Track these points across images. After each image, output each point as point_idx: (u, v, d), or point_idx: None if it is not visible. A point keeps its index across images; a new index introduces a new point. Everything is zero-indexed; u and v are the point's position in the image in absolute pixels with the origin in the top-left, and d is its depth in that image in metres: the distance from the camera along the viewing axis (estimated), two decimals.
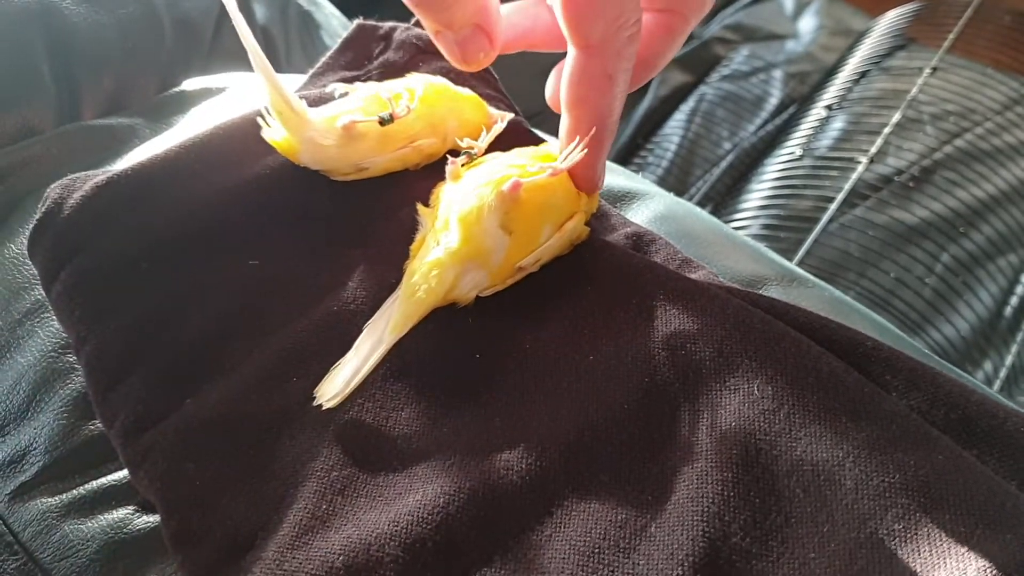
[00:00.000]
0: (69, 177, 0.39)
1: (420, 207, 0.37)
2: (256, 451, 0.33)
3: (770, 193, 0.96)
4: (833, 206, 0.78)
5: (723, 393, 0.31)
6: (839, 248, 0.91)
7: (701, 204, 1.06)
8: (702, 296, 0.34)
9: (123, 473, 0.36)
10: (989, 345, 0.86)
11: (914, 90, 0.87)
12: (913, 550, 0.25)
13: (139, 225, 0.38)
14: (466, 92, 0.42)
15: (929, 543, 0.26)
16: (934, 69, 0.91)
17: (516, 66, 1.27)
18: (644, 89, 1.19)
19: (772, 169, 0.98)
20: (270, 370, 0.35)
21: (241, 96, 0.53)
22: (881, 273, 0.89)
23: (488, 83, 0.46)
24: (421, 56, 0.45)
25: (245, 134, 0.39)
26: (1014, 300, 0.89)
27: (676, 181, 1.10)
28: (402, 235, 0.37)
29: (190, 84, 0.56)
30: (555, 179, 0.36)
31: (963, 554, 0.25)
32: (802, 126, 0.99)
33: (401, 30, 0.47)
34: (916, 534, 0.26)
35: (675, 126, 1.15)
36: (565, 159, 0.36)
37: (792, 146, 0.97)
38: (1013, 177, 0.96)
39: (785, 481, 0.28)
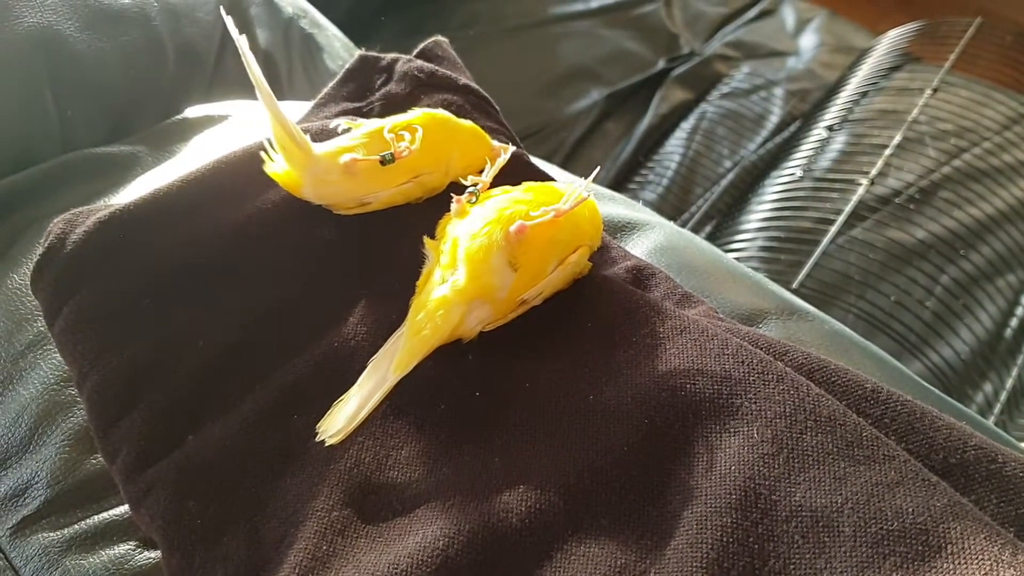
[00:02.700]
0: (72, 212, 0.39)
1: (427, 240, 0.37)
2: (257, 489, 0.34)
3: (770, 213, 0.96)
4: (834, 227, 0.78)
5: (723, 436, 0.31)
6: (838, 270, 0.92)
7: (702, 222, 1.07)
8: (702, 335, 0.34)
9: (125, 508, 0.36)
10: (989, 367, 0.86)
11: (915, 111, 0.87)
12: None
13: (141, 261, 0.38)
14: (468, 124, 0.42)
15: None
16: (935, 90, 0.91)
17: (517, 83, 1.28)
18: (644, 106, 1.20)
19: (772, 189, 0.98)
20: (271, 407, 0.35)
21: (243, 124, 0.54)
22: (880, 295, 0.90)
23: (490, 115, 0.46)
24: (422, 88, 0.46)
25: (247, 168, 0.40)
26: (1014, 321, 0.89)
27: (677, 199, 1.11)
28: (404, 270, 0.37)
29: (192, 112, 0.56)
30: (562, 216, 0.36)
31: None
32: (803, 146, 1.00)
33: (403, 62, 0.47)
34: None
35: (676, 144, 1.15)
36: (568, 201, 0.36)
37: (793, 166, 0.97)
38: (1012, 197, 0.96)
39: (784, 527, 0.28)
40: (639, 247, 0.46)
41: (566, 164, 1.13)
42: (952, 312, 0.88)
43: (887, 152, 0.84)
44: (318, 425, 0.33)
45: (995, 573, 0.26)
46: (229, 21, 0.35)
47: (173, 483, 0.34)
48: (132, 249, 0.38)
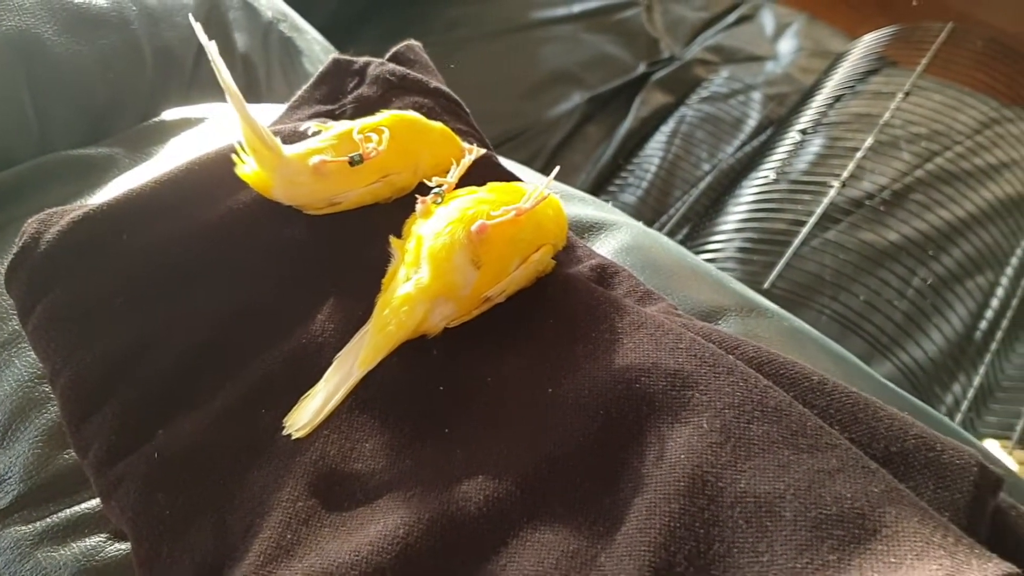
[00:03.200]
0: (46, 212, 0.40)
1: (393, 239, 0.38)
2: (225, 481, 0.34)
3: (746, 215, 0.97)
4: (805, 230, 0.80)
5: (674, 426, 0.32)
6: (811, 271, 0.93)
7: (679, 225, 1.08)
8: (658, 331, 0.35)
9: (96, 502, 0.37)
10: (959, 367, 0.88)
11: (887, 115, 0.89)
12: None
13: (114, 260, 0.39)
14: (437, 125, 0.43)
15: (860, 572, 0.27)
16: (907, 94, 0.93)
17: (499, 87, 1.29)
18: (625, 110, 1.21)
19: (748, 191, 1.00)
20: (240, 402, 0.36)
21: (220, 127, 0.55)
22: (853, 297, 0.91)
23: (460, 118, 0.47)
24: (394, 91, 0.47)
25: (219, 169, 0.41)
26: (983, 324, 0.90)
27: (656, 202, 1.12)
28: (372, 269, 0.38)
29: (170, 114, 0.57)
30: (523, 214, 0.37)
31: None
32: (778, 149, 1.01)
33: (375, 65, 0.48)
34: (849, 564, 0.27)
35: (655, 147, 1.17)
36: (529, 200, 0.37)
37: (768, 169, 0.99)
38: (982, 200, 0.98)
39: (729, 512, 0.29)
40: (606, 247, 0.47)
41: (547, 167, 1.15)
42: (923, 313, 0.89)
43: (858, 155, 0.86)
44: (285, 419, 0.34)
45: (926, 553, 0.27)
46: (198, 27, 0.36)
47: (143, 476, 0.35)
48: (105, 248, 0.39)
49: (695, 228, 1.04)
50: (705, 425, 0.31)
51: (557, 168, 0.39)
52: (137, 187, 0.40)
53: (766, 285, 0.77)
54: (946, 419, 0.40)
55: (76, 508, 0.37)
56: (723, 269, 0.93)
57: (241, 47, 0.69)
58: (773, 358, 0.34)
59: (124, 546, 0.36)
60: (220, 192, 0.41)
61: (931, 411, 0.40)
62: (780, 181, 1.00)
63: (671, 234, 1.06)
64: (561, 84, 1.24)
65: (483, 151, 0.43)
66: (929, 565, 0.27)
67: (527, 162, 0.60)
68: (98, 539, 0.36)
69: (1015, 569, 0.27)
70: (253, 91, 0.69)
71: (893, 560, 0.27)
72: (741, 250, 0.95)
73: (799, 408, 0.31)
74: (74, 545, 0.36)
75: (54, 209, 0.40)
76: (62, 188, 0.51)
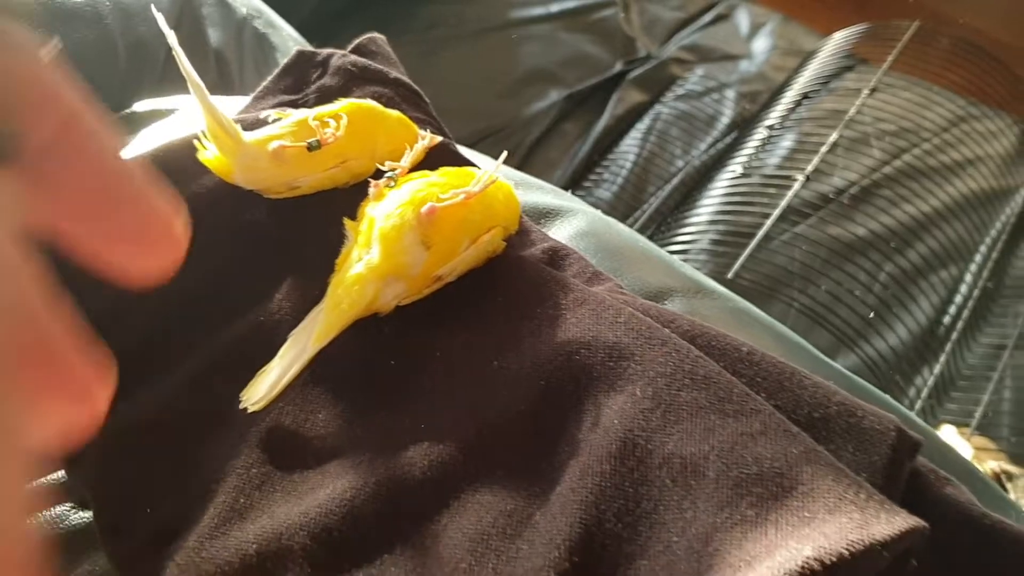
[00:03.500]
0: None
1: (347, 221, 0.40)
2: (184, 451, 0.36)
3: (717, 210, 0.99)
4: (768, 222, 0.81)
5: (610, 394, 0.34)
6: (780, 265, 0.95)
7: (653, 219, 1.10)
8: (599, 306, 0.37)
9: (61, 472, 0.38)
10: (922, 359, 0.90)
11: (852, 110, 0.91)
12: (761, 533, 0.28)
13: None
14: (394, 113, 0.45)
15: (776, 527, 0.28)
16: (873, 90, 0.95)
17: (478, 85, 1.30)
18: (601, 107, 1.23)
19: (719, 186, 1.02)
20: (199, 375, 0.38)
21: (189, 118, 0.56)
22: (820, 290, 0.93)
23: (419, 107, 0.49)
24: (355, 81, 0.48)
25: (182, 156, 0.42)
26: (947, 318, 0.93)
27: (631, 197, 1.14)
28: (328, 250, 0.40)
29: (141, 106, 0.59)
30: (473, 197, 0.39)
31: (804, 535, 0.28)
32: (747, 145, 1.03)
33: (337, 56, 0.49)
34: (766, 519, 0.29)
35: (631, 144, 1.19)
36: (479, 184, 0.39)
37: (737, 164, 1.01)
38: (947, 196, 1.00)
39: (656, 472, 0.31)
40: (562, 232, 0.49)
41: (524, 163, 1.16)
42: (886, 307, 0.91)
43: (823, 149, 0.88)
44: (242, 394, 0.36)
45: (839, 508, 0.29)
46: (159, 16, 0.38)
47: (105, 446, 0.36)
48: None
49: (668, 222, 1.06)
50: (638, 393, 0.33)
51: (504, 153, 0.41)
52: None
53: (730, 275, 0.79)
54: (876, 389, 0.42)
55: (41, 479, 0.38)
56: (695, 261, 0.95)
57: (214, 42, 0.70)
58: (706, 331, 0.36)
59: (88, 514, 0.37)
60: (183, 177, 0.42)
61: (862, 382, 0.42)
62: (752, 176, 1.02)
63: (644, 228, 1.08)
64: (539, 82, 1.26)
65: (439, 138, 0.45)
66: (840, 519, 0.28)
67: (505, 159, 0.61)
68: (63, 508, 0.37)
69: (922, 523, 0.29)
70: (226, 86, 0.70)
71: (807, 515, 0.29)
72: (714, 241, 0.97)
73: (727, 377, 0.33)
74: (40, 515, 0.37)
75: None
76: None
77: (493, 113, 1.22)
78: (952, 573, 0.33)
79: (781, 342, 0.44)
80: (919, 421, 0.41)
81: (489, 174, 0.39)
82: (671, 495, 0.30)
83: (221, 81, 0.70)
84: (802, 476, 0.30)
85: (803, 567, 0.27)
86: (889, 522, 0.28)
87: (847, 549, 0.27)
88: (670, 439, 0.32)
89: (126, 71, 0.61)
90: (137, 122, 0.56)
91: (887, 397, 0.42)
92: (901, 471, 0.32)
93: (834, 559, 0.27)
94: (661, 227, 1.05)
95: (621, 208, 1.11)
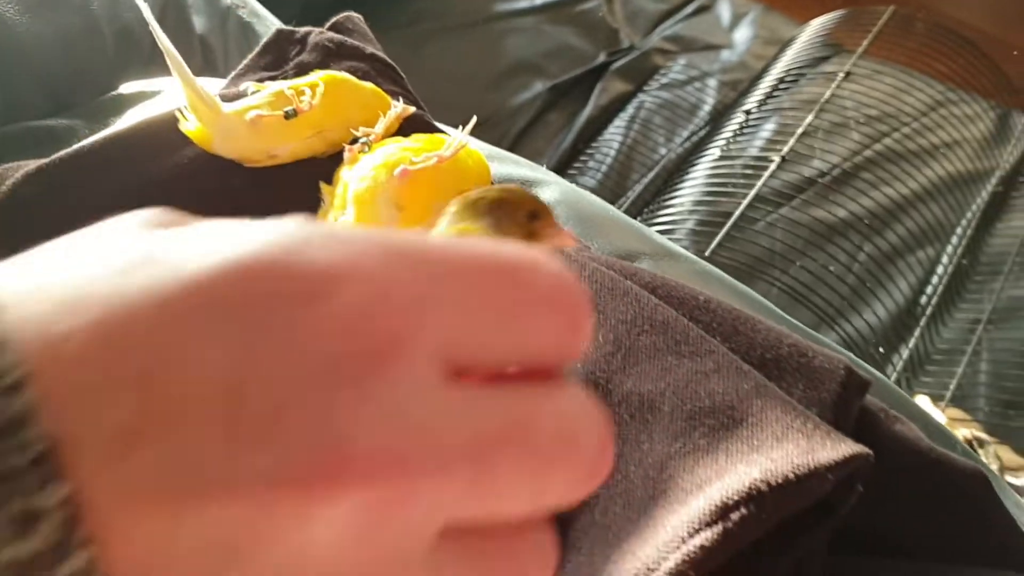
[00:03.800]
0: (2, 167, 0.42)
1: (323, 185, 0.41)
2: None
3: (699, 194, 1.01)
4: (745, 202, 0.83)
5: None
6: (764, 246, 0.97)
7: (636, 204, 1.11)
8: (564, 261, 0.39)
9: None
10: (899, 339, 0.92)
11: (827, 93, 0.93)
12: (712, 460, 0.30)
13: (68, 210, 0.42)
14: (368, 85, 0.46)
15: (726, 454, 0.30)
16: (848, 74, 0.97)
17: (464, 77, 1.32)
18: (585, 97, 1.24)
19: (702, 172, 1.03)
20: None
21: (174, 98, 0.57)
22: (802, 270, 0.95)
23: (394, 81, 0.50)
24: (332, 57, 0.50)
25: (166, 127, 0.44)
26: (923, 298, 0.94)
27: (615, 184, 1.16)
28: (306, 214, 0.41)
29: (127, 88, 0.60)
30: (445, 161, 0.40)
31: (753, 460, 0.29)
32: (726, 131, 1.05)
33: (315, 33, 0.51)
34: (717, 447, 0.30)
35: (614, 132, 1.20)
36: (450, 148, 0.40)
37: (718, 149, 1.02)
38: (925, 179, 1.02)
39: (616, 409, 0.32)
40: None
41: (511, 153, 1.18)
42: (865, 286, 0.93)
43: (798, 131, 0.89)
44: None
45: (786, 436, 0.30)
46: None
47: None
48: (59, 199, 0.42)
49: (651, 208, 1.08)
50: (601, 339, 0.35)
51: (474, 118, 0.43)
52: (88, 142, 0.43)
53: (707, 252, 0.80)
54: (833, 343, 0.43)
55: None
56: (679, 244, 0.97)
57: (199, 29, 0.72)
58: (665, 282, 0.37)
59: None
60: (167, 147, 0.44)
61: (821, 337, 0.44)
62: (732, 161, 1.03)
63: (628, 214, 1.10)
64: (524, 74, 1.27)
65: (411, 108, 0.46)
66: (787, 445, 0.30)
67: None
68: None
69: (866, 450, 0.30)
70: (211, 72, 0.71)
71: (756, 442, 0.30)
72: (698, 223, 0.99)
73: (684, 322, 0.35)
74: None
75: (9, 164, 0.43)
76: (25, 156, 0.54)
77: (479, 105, 1.23)
78: (900, 499, 0.34)
79: (742, 298, 0.46)
80: (868, 366, 0.42)
81: (460, 139, 0.41)
82: (629, 429, 0.32)
83: (206, 67, 0.71)
84: (752, 408, 0.31)
85: (751, 488, 0.28)
86: (834, 448, 0.30)
87: (793, 472, 0.28)
88: (629, 379, 0.33)
89: (113, 56, 0.62)
90: (124, 103, 0.58)
91: (842, 349, 0.43)
92: (850, 407, 0.34)
93: (780, 481, 0.28)
94: (644, 212, 1.06)
95: (605, 195, 1.13)
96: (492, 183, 0.46)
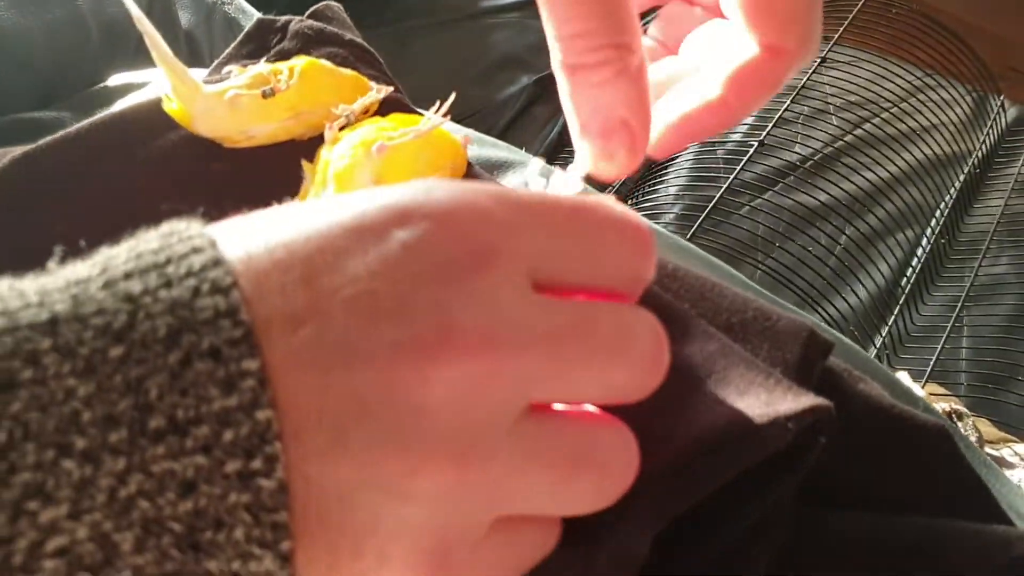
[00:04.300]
0: None
1: (304, 163, 0.42)
2: None
3: (683, 183, 1.03)
4: (726, 185, 0.85)
5: None
6: (748, 229, 0.98)
7: (620, 193, 1.13)
8: None
9: None
10: (881, 320, 0.93)
11: (804, 79, 0.94)
12: (674, 414, 0.31)
13: (56, 196, 0.43)
14: (347, 70, 0.47)
15: (692, 409, 0.31)
16: (823, 60, 0.98)
17: (450, 72, 1.33)
18: None
19: (684, 160, 1.05)
20: None
21: (162, 89, 0.59)
22: (785, 253, 0.96)
23: (374, 66, 0.52)
24: (311, 44, 0.51)
25: (152, 111, 0.45)
26: (904, 279, 0.96)
27: None
28: (287, 193, 0.42)
29: (114, 80, 0.61)
30: (422, 138, 0.41)
31: (717, 412, 0.31)
32: None
33: (296, 21, 0.52)
34: (683, 403, 0.32)
35: None
36: (427, 124, 0.41)
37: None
38: (904, 163, 1.03)
39: None
40: (513, 181, 0.52)
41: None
42: (847, 268, 0.95)
43: (776, 117, 0.91)
44: None
45: (748, 391, 0.32)
46: None
47: None
48: (46, 185, 0.43)
49: (636, 196, 1.09)
50: None
51: (453, 95, 0.44)
52: (74, 128, 0.44)
53: (687, 237, 0.82)
54: (803, 313, 0.45)
55: None
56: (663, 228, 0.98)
57: (185, 24, 0.73)
58: None
59: None
60: (153, 130, 0.45)
61: (790, 306, 0.45)
62: (715, 150, 1.05)
63: None
64: (509, 68, 1.29)
65: (389, 88, 0.48)
66: (749, 400, 0.31)
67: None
68: None
69: (826, 402, 0.32)
70: (198, 64, 0.73)
71: (720, 396, 0.32)
72: (686, 208, 1.01)
73: (652, 288, 0.36)
74: None
75: None
76: (12, 148, 0.55)
77: (465, 99, 1.24)
78: (863, 456, 0.36)
79: (713, 269, 0.47)
80: (841, 335, 0.43)
81: (437, 117, 0.42)
82: None
83: (192, 61, 0.72)
84: (716, 366, 0.33)
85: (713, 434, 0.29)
86: (796, 400, 0.31)
87: (755, 420, 0.30)
88: None
89: (99, 49, 0.64)
90: (112, 95, 0.59)
91: (826, 326, 0.45)
92: (813, 368, 0.35)
93: (742, 429, 0.30)
94: (628, 202, 1.08)
95: (592, 186, 1.14)
96: (468, 163, 0.47)
